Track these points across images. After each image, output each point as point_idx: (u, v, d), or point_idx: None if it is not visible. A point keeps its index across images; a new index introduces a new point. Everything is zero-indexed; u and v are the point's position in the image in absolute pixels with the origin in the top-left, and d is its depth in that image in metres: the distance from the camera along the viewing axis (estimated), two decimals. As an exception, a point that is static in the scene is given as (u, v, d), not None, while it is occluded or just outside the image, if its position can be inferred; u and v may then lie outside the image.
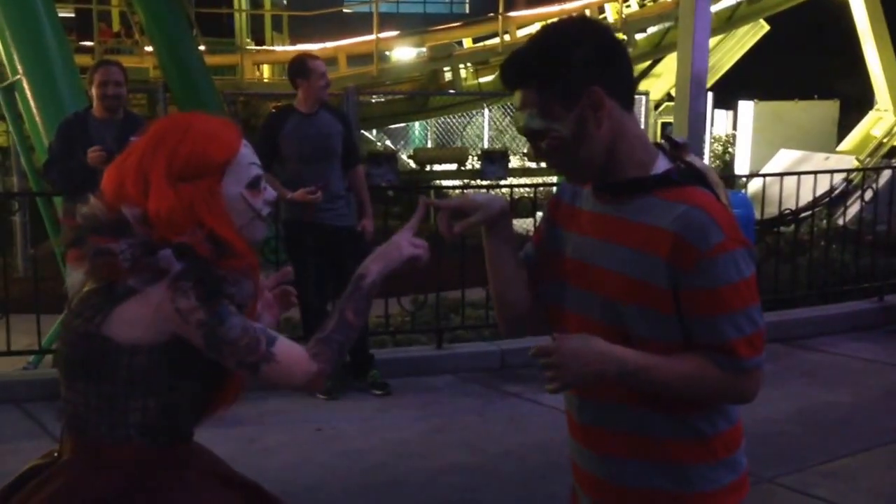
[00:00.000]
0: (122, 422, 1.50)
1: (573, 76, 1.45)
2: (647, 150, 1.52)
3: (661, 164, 1.51)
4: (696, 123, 5.03)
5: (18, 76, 6.04)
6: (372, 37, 10.97)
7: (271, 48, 13.62)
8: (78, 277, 1.54)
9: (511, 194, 6.51)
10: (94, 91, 4.36)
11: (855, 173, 7.87)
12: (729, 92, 15.13)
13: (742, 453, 1.59)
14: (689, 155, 1.57)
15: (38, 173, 5.70)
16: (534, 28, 13.10)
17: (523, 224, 7.39)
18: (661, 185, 1.48)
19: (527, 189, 6.93)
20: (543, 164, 11.01)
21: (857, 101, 14.24)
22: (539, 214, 9.93)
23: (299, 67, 4.70)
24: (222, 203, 1.54)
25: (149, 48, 9.57)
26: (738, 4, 12.81)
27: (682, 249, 1.42)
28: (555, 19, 1.70)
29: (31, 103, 5.99)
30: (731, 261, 1.42)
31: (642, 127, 11.46)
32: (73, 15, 13.71)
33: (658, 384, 1.45)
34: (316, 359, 1.52)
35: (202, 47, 9.59)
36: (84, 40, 11.54)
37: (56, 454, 1.59)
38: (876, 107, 13.01)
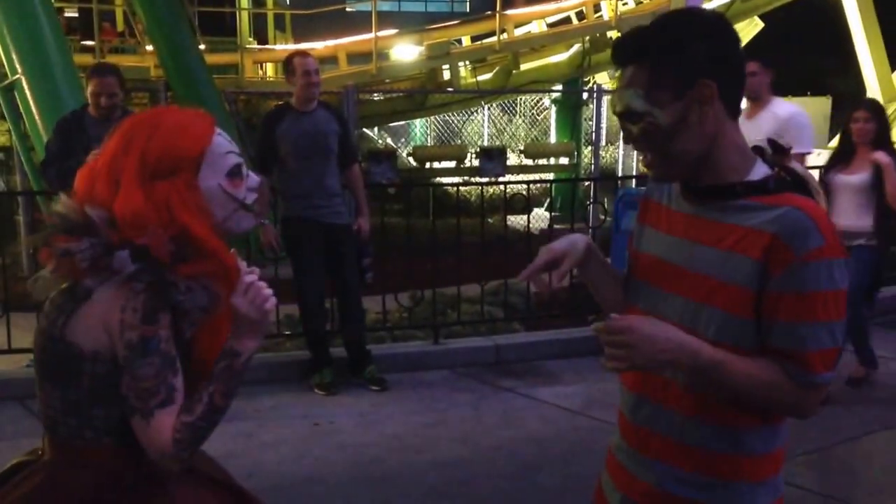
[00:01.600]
0: (89, 425, 1.51)
1: (692, 63, 1.40)
2: (744, 157, 1.47)
3: (759, 171, 1.46)
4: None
5: (18, 76, 6.10)
6: (371, 35, 11.04)
7: (272, 47, 13.68)
8: (45, 278, 1.51)
9: (506, 191, 6.57)
10: (88, 96, 4.43)
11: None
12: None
13: (781, 477, 1.56)
14: (790, 160, 1.52)
15: (37, 172, 5.77)
16: (531, 26, 13.18)
17: (519, 220, 7.45)
18: (758, 192, 1.43)
19: (522, 186, 7.00)
20: (540, 162, 11.10)
21: (849, 98, 14.29)
22: (536, 211, 10.00)
23: (286, 66, 4.85)
24: (199, 198, 1.51)
25: (150, 47, 9.64)
26: (733, 2, 12.86)
27: (776, 250, 1.36)
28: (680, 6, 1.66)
29: (31, 103, 6.05)
30: (826, 269, 1.36)
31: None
32: (76, 14, 13.78)
33: (726, 382, 1.40)
34: (175, 444, 1.46)
35: (202, 46, 9.65)
36: (88, 39, 11.60)
37: (40, 452, 1.60)
38: (868, 103, 13.08)
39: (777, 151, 1.53)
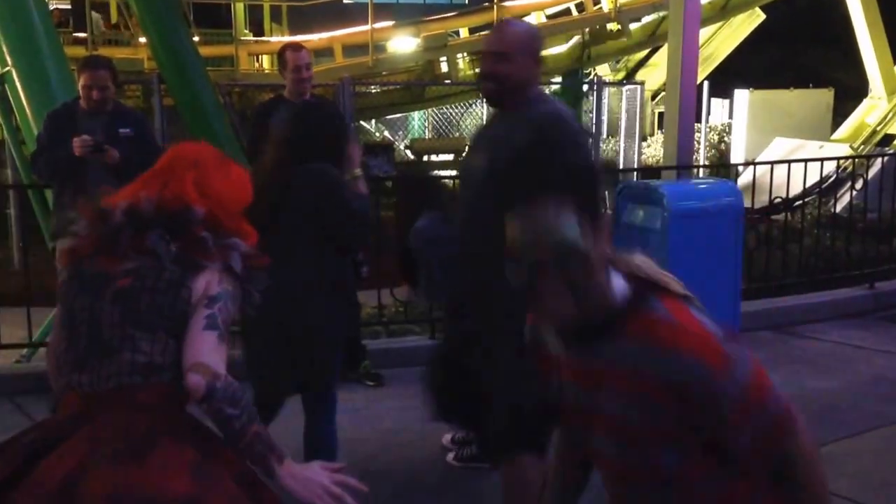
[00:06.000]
0: (168, 364, 1.76)
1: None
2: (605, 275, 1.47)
3: (616, 283, 1.46)
4: (687, 114, 5.03)
5: (8, 68, 6.02)
6: (367, 27, 10.97)
7: (267, 39, 13.61)
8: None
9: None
10: (80, 89, 4.35)
11: (847, 161, 7.87)
12: (725, 81, 15.13)
13: None
14: (627, 261, 1.50)
15: (28, 164, 5.69)
16: (530, 18, 13.09)
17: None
18: (631, 318, 1.44)
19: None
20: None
21: (852, 90, 14.26)
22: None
23: (279, 58, 4.79)
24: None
25: (143, 39, 9.57)
26: (734, -7, 12.79)
27: (688, 399, 1.42)
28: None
29: (22, 95, 5.97)
30: (732, 383, 1.45)
31: (638, 118, 11.51)
32: (69, 6, 13.71)
33: None
34: (223, 378, 1.70)
35: (196, 38, 9.58)
36: (80, 31, 11.54)
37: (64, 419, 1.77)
38: (870, 95, 13.03)
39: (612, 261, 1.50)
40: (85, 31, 10.80)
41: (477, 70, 12.21)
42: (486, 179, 2.64)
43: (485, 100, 2.91)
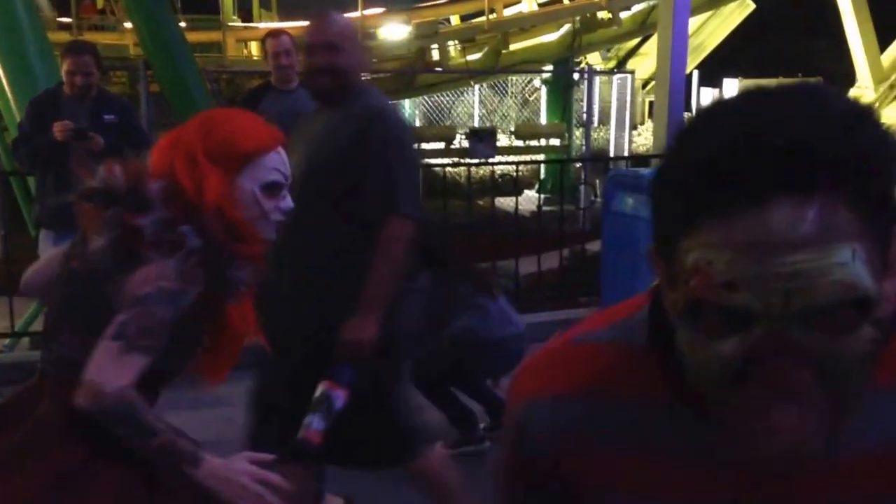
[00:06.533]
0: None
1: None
2: None
3: None
4: (677, 103, 5.04)
5: (-10, 53, 5.93)
6: (357, 14, 10.89)
7: (256, 25, 13.51)
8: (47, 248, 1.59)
9: (493, 172, 6.48)
10: (63, 75, 4.29)
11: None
12: (714, 70, 15.15)
13: None
14: None
15: (9, 151, 5.61)
16: (521, 6, 13.02)
17: (509, 202, 7.38)
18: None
19: (511, 167, 6.92)
20: (532, 143, 11.00)
21: (840, 79, 14.32)
22: (527, 193, 9.89)
23: (262, 45, 4.76)
24: (232, 190, 1.63)
25: (129, 24, 9.46)
26: (725, -18, 12.79)
27: None
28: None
29: (3, 80, 5.89)
30: None
31: (629, 107, 11.48)
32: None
33: None
34: (121, 393, 1.47)
35: (183, 24, 9.49)
36: (66, 16, 11.42)
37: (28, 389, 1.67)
38: (857, 84, 13.09)
39: None
40: (69, 16, 10.68)
41: (468, 58, 12.17)
42: (308, 180, 2.39)
43: (316, 96, 2.61)
